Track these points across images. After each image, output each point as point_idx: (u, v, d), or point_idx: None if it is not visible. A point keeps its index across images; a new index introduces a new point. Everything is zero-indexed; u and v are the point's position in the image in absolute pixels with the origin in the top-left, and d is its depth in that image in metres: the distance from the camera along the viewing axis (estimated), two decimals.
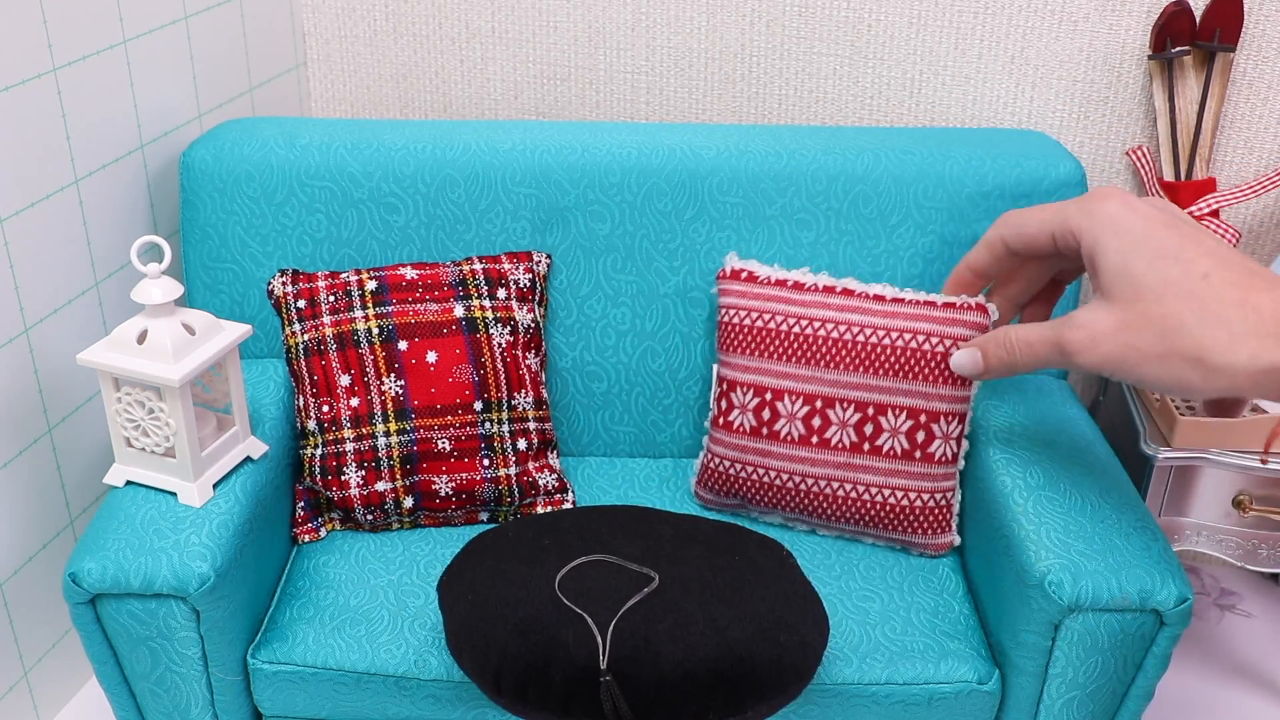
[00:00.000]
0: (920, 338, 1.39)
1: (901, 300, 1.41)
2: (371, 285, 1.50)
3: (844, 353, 1.41)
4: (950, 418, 1.40)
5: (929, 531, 1.43)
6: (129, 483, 1.31)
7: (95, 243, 1.52)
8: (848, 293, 1.43)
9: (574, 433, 1.64)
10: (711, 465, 1.49)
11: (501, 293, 1.52)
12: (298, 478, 1.49)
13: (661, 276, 1.59)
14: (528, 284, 1.54)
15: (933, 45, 1.81)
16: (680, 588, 1.17)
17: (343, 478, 1.44)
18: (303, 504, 1.48)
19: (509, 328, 1.50)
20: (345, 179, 1.57)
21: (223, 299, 1.60)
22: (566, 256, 1.59)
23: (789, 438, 1.43)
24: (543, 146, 1.59)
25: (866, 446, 1.40)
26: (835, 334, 1.42)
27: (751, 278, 1.49)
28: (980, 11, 1.78)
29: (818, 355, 1.42)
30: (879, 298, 1.43)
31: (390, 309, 1.47)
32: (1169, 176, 1.74)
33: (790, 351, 1.43)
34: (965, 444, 1.44)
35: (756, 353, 1.45)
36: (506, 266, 1.54)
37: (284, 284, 1.52)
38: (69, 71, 1.42)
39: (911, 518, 1.41)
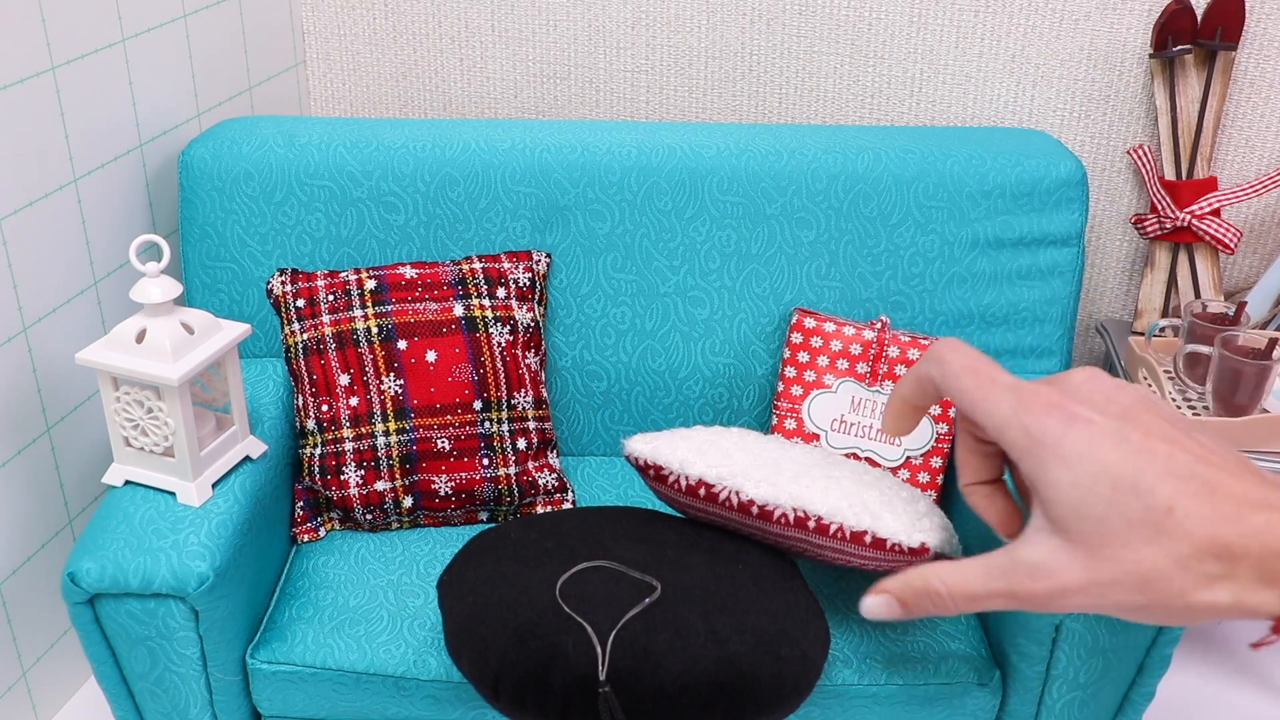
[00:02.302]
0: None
1: (826, 529, 1.19)
2: (371, 284, 1.49)
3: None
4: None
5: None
6: (128, 482, 1.31)
7: (94, 242, 1.52)
8: (765, 515, 1.22)
9: (574, 432, 1.64)
10: None
11: (501, 292, 1.51)
12: (297, 477, 1.49)
13: (661, 275, 1.59)
14: (527, 283, 1.54)
15: (933, 45, 1.81)
16: (682, 597, 1.16)
17: (342, 477, 1.43)
18: (302, 504, 1.47)
19: (509, 327, 1.50)
20: (344, 178, 1.57)
21: (222, 298, 1.60)
22: (566, 255, 1.59)
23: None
24: (542, 145, 1.58)
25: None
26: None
27: (660, 477, 1.28)
28: (980, 11, 1.77)
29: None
30: (800, 520, 1.20)
31: (389, 308, 1.47)
32: (1170, 175, 1.74)
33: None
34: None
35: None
36: (506, 265, 1.53)
37: (283, 283, 1.51)
38: (67, 70, 1.42)
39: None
